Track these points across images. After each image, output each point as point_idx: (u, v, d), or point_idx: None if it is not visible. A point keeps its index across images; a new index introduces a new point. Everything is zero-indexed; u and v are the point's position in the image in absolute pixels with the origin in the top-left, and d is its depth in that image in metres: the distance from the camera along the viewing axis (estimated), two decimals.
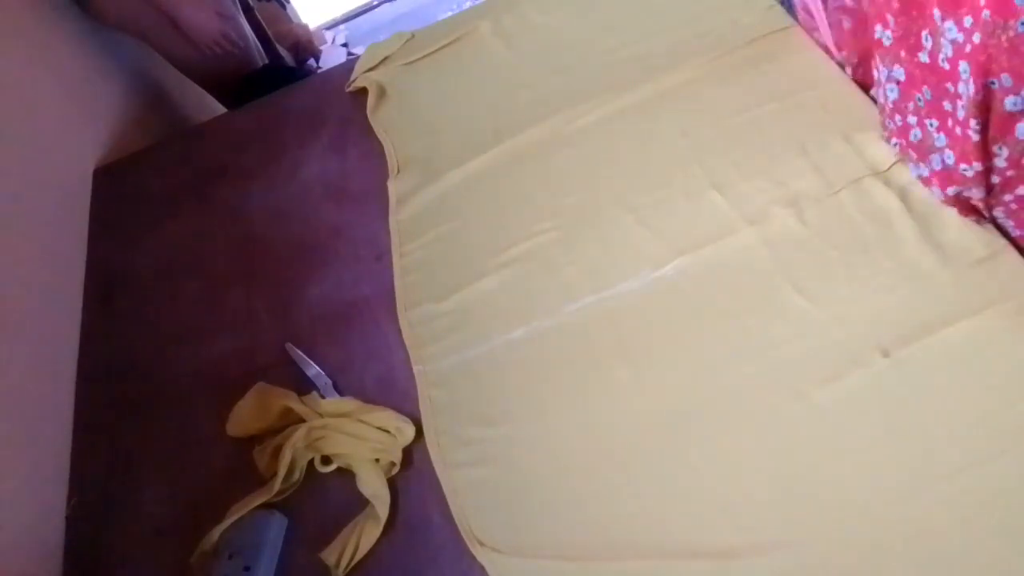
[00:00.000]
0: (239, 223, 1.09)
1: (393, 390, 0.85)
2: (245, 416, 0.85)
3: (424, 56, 1.19)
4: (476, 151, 1.03)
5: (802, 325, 0.75)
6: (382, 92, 1.17)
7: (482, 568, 0.70)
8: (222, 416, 0.86)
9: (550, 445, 0.76)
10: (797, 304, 0.76)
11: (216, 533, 0.77)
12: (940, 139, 0.61)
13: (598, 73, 1.06)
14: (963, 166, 0.60)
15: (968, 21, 0.50)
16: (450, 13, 1.54)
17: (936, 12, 0.53)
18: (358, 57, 1.23)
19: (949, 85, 0.56)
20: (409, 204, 1.01)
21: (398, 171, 1.06)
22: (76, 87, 1.34)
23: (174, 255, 1.10)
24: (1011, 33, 0.47)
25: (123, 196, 1.21)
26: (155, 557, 0.82)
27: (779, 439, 0.70)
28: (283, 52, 2.06)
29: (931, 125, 0.61)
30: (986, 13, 0.48)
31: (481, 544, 0.72)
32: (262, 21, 1.86)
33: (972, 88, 0.53)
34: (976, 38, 0.50)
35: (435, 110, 1.12)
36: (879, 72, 0.69)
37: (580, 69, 1.07)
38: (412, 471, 0.79)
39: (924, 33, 0.57)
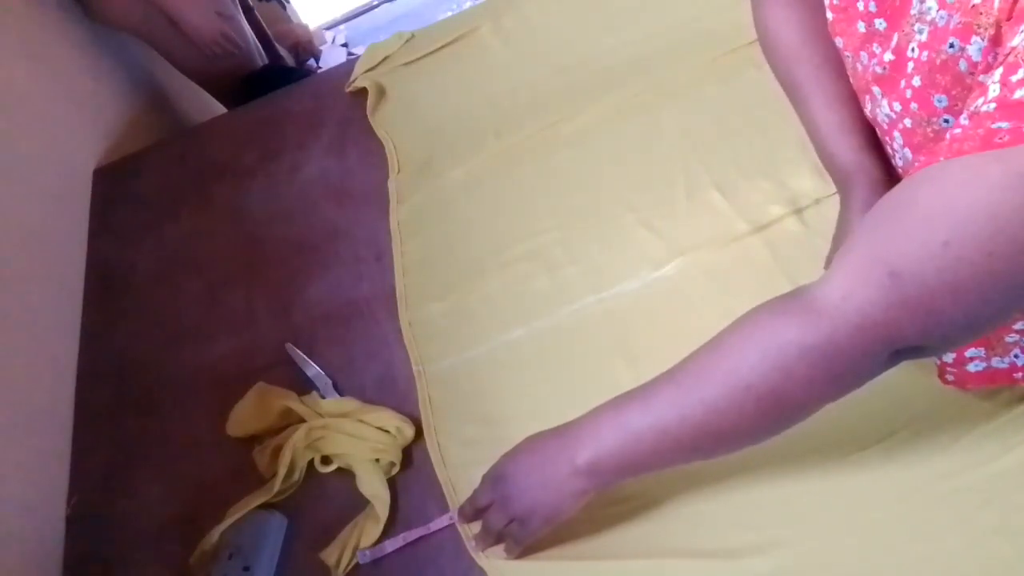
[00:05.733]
0: (239, 223, 1.09)
1: (393, 390, 0.85)
2: (245, 416, 0.85)
3: (424, 56, 1.19)
4: (476, 151, 1.03)
5: None
6: (382, 92, 1.17)
7: (482, 568, 0.69)
8: (222, 416, 0.86)
9: None
10: None
11: (216, 533, 0.76)
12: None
13: (598, 73, 1.06)
14: None
15: (897, 106, 0.52)
16: (450, 13, 1.54)
17: (876, 89, 0.55)
18: (358, 57, 1.23)
19: (887, 138, 0.58)
20: (409, 203, 1.01)
21: (398, 171, 1.06)
22: (76, 87, 1.34)
23: (174, 255, 1.10)
24: (935, 127, 0.49)
25: (123, 196, 1.21)
26: (155, 557, 0.82)
27: (779, 438, 0.69)
28: (283, 52, 2.06)
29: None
30: (914, 106, 0.50)
31: None
32: (262, 21, 1.86)
33: (910, 155, 0.55)
34: (907, 122, 0.52)
35: (435, 110, 1.12)
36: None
37: (580, 69, 1.07)
38: (412, 471, 0.79)
39: (866, 97, 0.59)
